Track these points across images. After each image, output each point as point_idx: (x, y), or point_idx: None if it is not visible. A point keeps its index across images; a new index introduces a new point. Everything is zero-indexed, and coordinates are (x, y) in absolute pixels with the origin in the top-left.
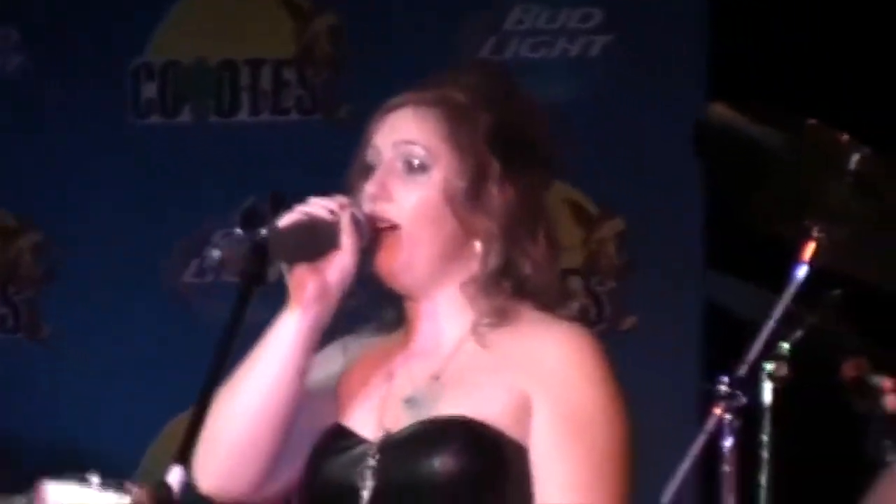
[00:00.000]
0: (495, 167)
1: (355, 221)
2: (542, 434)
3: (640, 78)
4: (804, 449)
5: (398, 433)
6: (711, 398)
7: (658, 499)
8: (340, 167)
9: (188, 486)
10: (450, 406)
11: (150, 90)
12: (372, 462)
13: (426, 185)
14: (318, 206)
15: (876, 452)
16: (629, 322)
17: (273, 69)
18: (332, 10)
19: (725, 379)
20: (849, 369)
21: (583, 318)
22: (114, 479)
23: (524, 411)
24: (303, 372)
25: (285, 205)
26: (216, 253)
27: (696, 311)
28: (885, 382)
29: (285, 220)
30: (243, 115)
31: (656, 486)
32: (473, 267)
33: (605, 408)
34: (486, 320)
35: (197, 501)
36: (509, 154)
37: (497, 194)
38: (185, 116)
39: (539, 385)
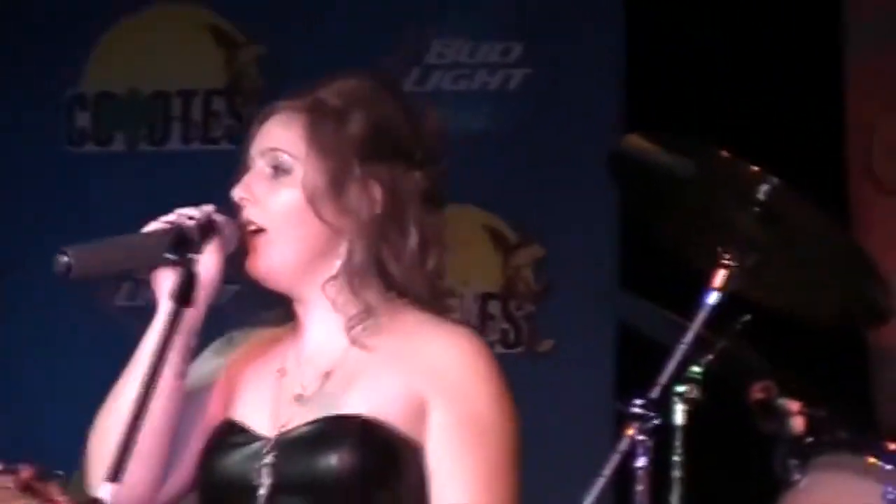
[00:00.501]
0: (357, 167)
1: (228, 225)
2: (440, 436)
3: (557, 109)
4: (714, 469)
5: (294, 430)
6: (624, 419)
7: None
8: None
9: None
10: (344, 404)
11: (84, 119)
12: (268, 459)
13: (289, 186)
14: (178, 215)
15: (782, 472)
16: (546, 345)
17: (203, 99)
18: (261, 40)
19: (638, 401)
20: (757, 392)
21: (502, 341)
22: None
23: (419, 412)
24: (179, 372)
25: (215, 230)
26: (63, 259)
27: (610, 335)
28: (792, 405)
29: (149, 227)
30: (174, 144)
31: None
32: (337, 267)
33: (499, 409)
34: (355, 319)
35: None
36: (377, 153)
37: (360, 193)
38: (118, 145)
39: (434, 387)
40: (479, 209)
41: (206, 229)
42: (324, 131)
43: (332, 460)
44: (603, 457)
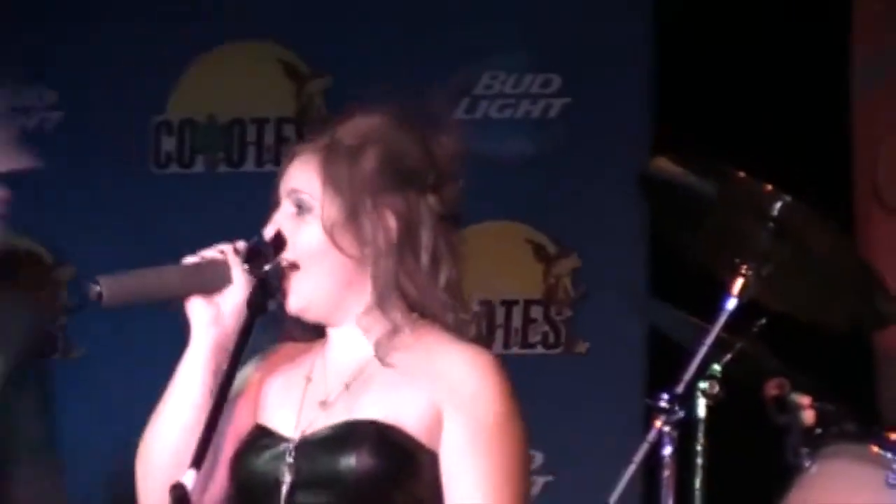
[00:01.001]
0: (369, 200)
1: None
2: (453, 444)
3: (593, 135)
4: (733, 457)
5: (316, 433)
6: (653, 412)
7: (606, 499)
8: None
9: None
10: (363, 411)
11: (168, 144)
12: (290, 458)
13: (311, 224)
14: (210, 250)
15: (794, 459)
16: (582, 346)
17: (275, 127)
18: (325, 73)
19: (665, 396)
20: (771, 388)
21: (543, 343)
22: None
23: (435, 421)
24: (212, 389)
25: (285, 245)
26: (96, 288)
27: (641, 337)
28: (803, 399)
29: (185, 262)
30: (249, 167)
31: (604, 489)
32: (366, 293)
33: (510, 421)
34: (384, 339)
35: None
36: (390, 184)
37: (375, 224)
38: (199, 167)
39: (449, 400)
40: (523, 225)
41: (279, 244)
42: (337, 170)
43: (352, 461)
44: (633, 446)
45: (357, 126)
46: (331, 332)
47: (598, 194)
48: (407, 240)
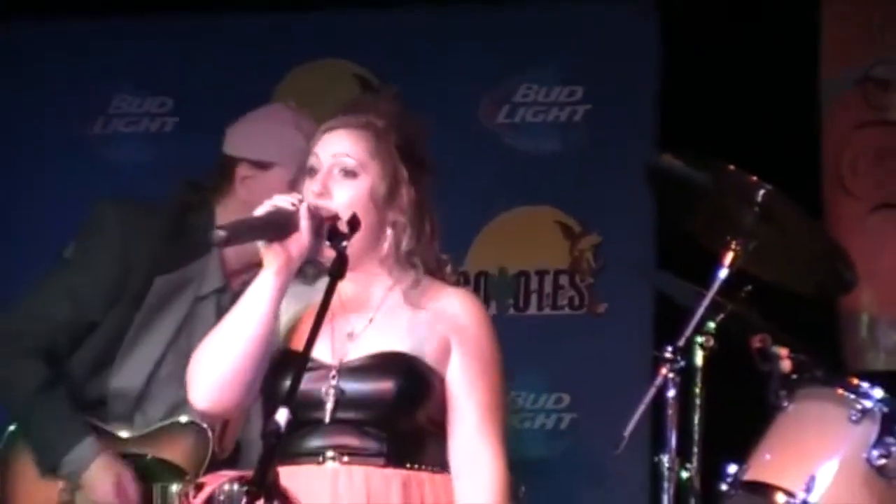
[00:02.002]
0: (405, 175)
1: (310, 211)
2: (460, 368)
3: (609, 135)
4: (725, 398)
5: (353, 361)
6: (659, 362)
7: (622, 432)
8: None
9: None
10: (392, 344)
11: None
12: (334, 382)
13: (356, 187)
14: (282, 200)
15: (775, 400)
16: (602, 308)
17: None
18: (392, 81)
19: (669, 348)
20: (756, 342)
21: (570, 305)
22: None
23: (445, 352)
24: (274, 318)
25: (359, 225)
26: (221, 233)
27: (649, 300)
28: (781, 351)
29: (260, 210)
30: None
31: (620, 423)
32: (385, 247)
33: (496, 346)
34: (405, 286)
35: None
36: (410, 164)
37: (406, 195)
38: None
39: (456, 333)
40: (553, 208)
41: (354, 224)
42: (381, 147)
43: (386, 385)
44: (643, 389)
45: (379, 110)
46: (349, 276)
47: (615, 184)
48: (419, 209)
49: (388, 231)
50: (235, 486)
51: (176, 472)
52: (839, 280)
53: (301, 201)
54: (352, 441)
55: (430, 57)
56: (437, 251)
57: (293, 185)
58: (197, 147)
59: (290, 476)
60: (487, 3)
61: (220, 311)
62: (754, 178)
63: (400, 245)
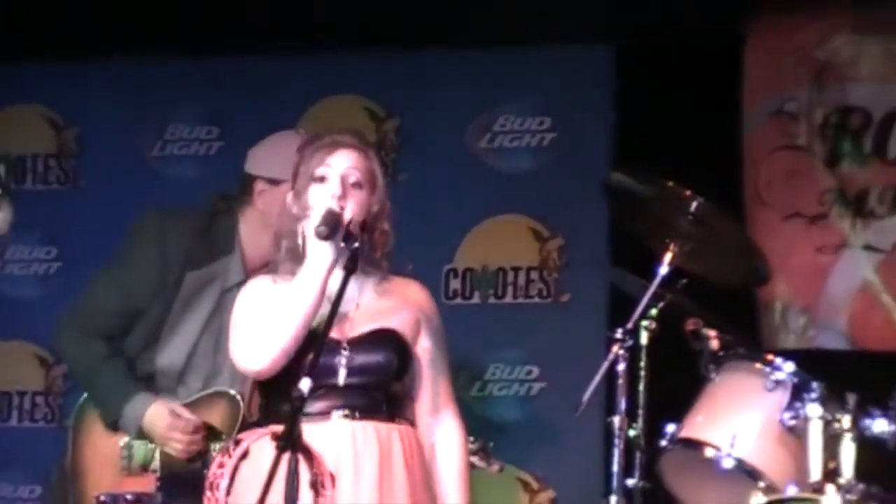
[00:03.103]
0: (385, 192)
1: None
2: (429, 343)
3: (572, 157)
4: (664, 370)
5: (357, 336)
6: (612, 341)
7: (580, 398)
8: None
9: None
10: (385, 322)
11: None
12: (345, 352)
13: (361, 195)
14: (331, 204)
15: (705, 372)
16: (565, 297)
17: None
18: (396, 114)
19: (620, 330)
20: (690, 325)
21: (539, 295)
22: None
23: (417, 330)
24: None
25: (366, 230)
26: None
27: (605, 290)
28: (710, 332)
29: (320, 212)
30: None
31: (579, 391)
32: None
33: (443, 323)
34: (374, 280)
35: None
36: (384, 181)
37: (386, 208)
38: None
39: (422, 314)
40: (525, 216)
41: (365, 227)
42: (374, 166)
43: (384, 355)
44: (599, 364)
45: (358, 135)
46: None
47: (576, 196)
48: (387, 214)
49: (375, 236)
50: (268, 443)
51: (214, 433)
52: (757, 275)
53: (343, 208)
54: (360, 402)
55: (426, 93)
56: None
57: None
58: (236, 167)
59: (309, 433)
60: (471, 50)
61: None
62: (689, 191)
63: (383, 249)
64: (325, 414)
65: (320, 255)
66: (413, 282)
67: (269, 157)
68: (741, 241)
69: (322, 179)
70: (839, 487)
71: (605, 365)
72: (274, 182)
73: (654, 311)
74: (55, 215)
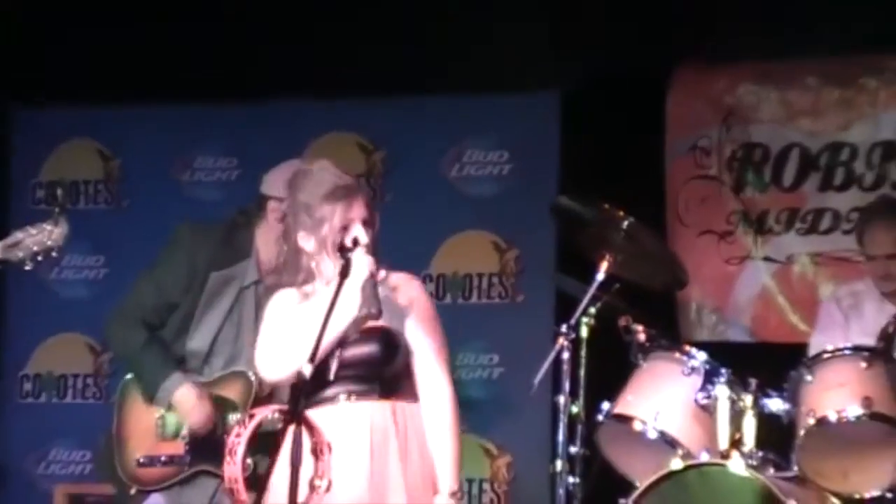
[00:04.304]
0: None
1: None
2: (414, 326)
3: (527, 183)
4: (602, 358)
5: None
6: (558, 335)
7: (532, 381)
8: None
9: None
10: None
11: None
12: (336, 351)
13: (370, 235)
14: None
15: (634, 360)
16: (521, 297)
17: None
18: (382, 148)
19: (564, 325)
20: (622, 321)
21: (499, 296)
22: None
23: (402, 317)
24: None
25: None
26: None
27: (552, 293)
28: (638, 328)
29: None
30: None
31: (531, 375)
32: None
33: (434, 309)
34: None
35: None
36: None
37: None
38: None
39: (407, 302)
40: (488, 232)
41: (355, 244)
42: (372, 208)
43: (370, 348)
44: (547, 352)
45: (339, 180)
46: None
47: (530, 216)
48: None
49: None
50: (276, 415)
51: (231, 406)
52: (677, 281)
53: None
54: (355, 387)
55: (407, 131)
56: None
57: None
58: (251, 190)
59: (322, 415)
60: (445, 96)
61: (257, 297)
62: (621, 212)
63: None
64: (331, 399)
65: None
66: (399, 274)
67: (278, 181)
68: (664, 253)
69: (343, 229)
70: (742, 454)
71: (553, 354)
72: (281, 200)
73: (592, 310)
74: (102, 230)
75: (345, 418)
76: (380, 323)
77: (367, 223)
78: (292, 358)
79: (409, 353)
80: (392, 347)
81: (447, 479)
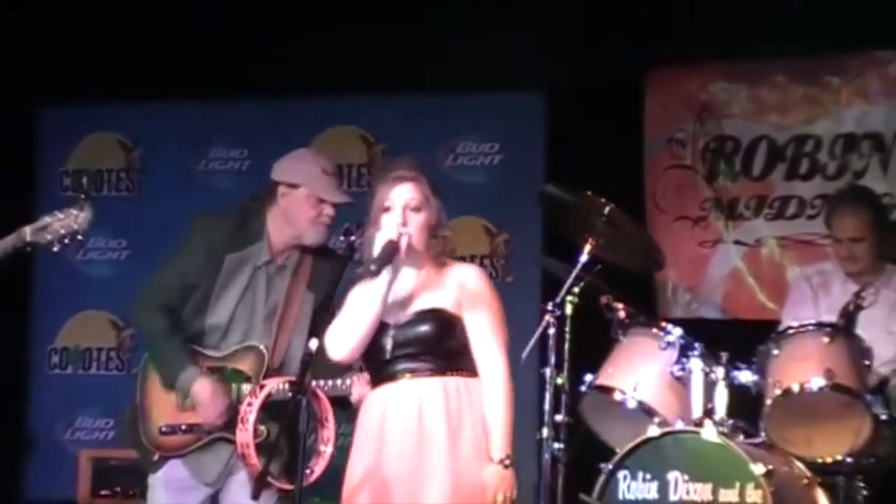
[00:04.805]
0: (440, 206)
1: (406, 237)
2: (469, 309)
3: (516, 173)
4: (585, 334)
5: (402, 319)
6: (544, 312)
7: (521, 354)
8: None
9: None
10: (429, 304)
11: None
12: (392, 333)
13: (419, 218)
14: (390, 235)
15: (615, 335)
16: (510, 278)
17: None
18: (382, 141)
19: (551, 304)
20: (604, 300)
21: (490, 277)
22: None
23: (459, 301)
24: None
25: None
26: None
27: (538, 274)
28: (619, 305)
29: (382, 245)
30: None
31: (521, 349)
32: (430, 248)
33: (492, 294)
34: (430, 268)
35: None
36: (437, 203)
37: (438, 220)
38: None
39: (463, 289)
40: (480, 217)
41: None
42: (427, 193)
43: (424, 329)
44: (535, 328)
45: (415, 167)
46: (401, 264)
47: (518, 202)
48: (441, 227)
49: (433, 241)
50: (285, 386)
51: (245, 377)
52: (655, 263)
53: (401, 235)
54: (409, 365)
55: (406, 125)
56: (447, 248)
57: (313, 200)
58: (261, 178)
59: (384, 391)
60: (441, 94)
61: (269, 276)
62: (603, 199)
63: (439, 249)
64: (392, 376)
65: (379, 280)
66: (461, 264)
67: (289, 168)
68: (642, 237)
69: (387, 210)
70: (714, 422)
71: (540, 329)
72: (293, 186)
73: (576, 290)
74: (124, 215)
75: (401, 394)
76: (437, 305)
77: (413, 208)
78: (347, 340)
79: (465, 333)
80: (446, 327)
81: (497, 448)
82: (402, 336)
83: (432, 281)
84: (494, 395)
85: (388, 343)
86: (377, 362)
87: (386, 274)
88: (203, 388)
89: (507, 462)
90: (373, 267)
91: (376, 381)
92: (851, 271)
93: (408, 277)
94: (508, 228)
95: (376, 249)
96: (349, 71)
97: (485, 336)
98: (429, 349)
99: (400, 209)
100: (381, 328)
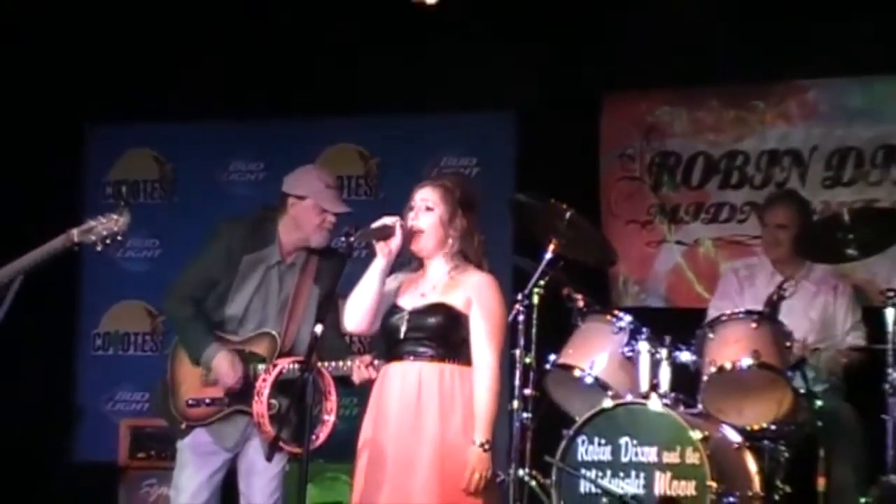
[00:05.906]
0: (459, 212)
1: (401, 226)
2: (476, 313)
3: (491, 183)
4: (549, 320)
5: (418, 307)
6: (515, 302)
7: None
8: None
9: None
10: (439, 298)
11: None
12: (407, 317)
13: (432, 217)
14: (386, 220)
15: (575, 322)
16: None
17: (356, 181)
18: (377, 156)
19: (520, 295)
20: (565, 291)
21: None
22: None
23: (468, 303)
24: (383, 283)
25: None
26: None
27: (509, 269)
28: (578, 296)
29: (376, 224)
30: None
31: None
32: (448, 248)
33: (497, 303)
34: (453, 270)
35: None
36: (464, 207)
37: (459, 221)
38: None
39: (473, 294)
40: None
41: (418, 231)
42: (446, 197)
43: (433, 320)
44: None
45: (453, 180)
46: (426, 262)
47: (493, 208)
48: (468, 230)
49: (449, 240)
50: (294, 366)
51: (261, 359)
52: (608, 259)
53: (396, 222)
54: (415, 349)
55: (397, 142)
56: (480, 254)
57: (317, 209)
58: (276, 189)
59: (393, 369)
60: (426, 114)
61: (280, 274)
62: (565, 206)
63: (454, 247)
64: (399, 357)
65: (379, 254)
66: (479, 272)
67: (297, 182)
68: (598, 238)
69: (410, 209)
70: (659, 395)
71: (511, 316)
72: (300, 198)
73: (542, 283)
74: (158, 219)
75: (405, 372)
76: (449, 301)
77: (427, 207)
78: (354, 311)
79: (468, 329)
80: (453, 322)
81: (480, 432)
82: (415, 322)
83: (451, 280)
84: (483, 387)
85: (404, 325)
86: (393, 341)
87: (384, 256)
88: (223, 359)
89: (487, 447)
90: (359, 233)
91: (389, 357)
92: (774, 257)
93: (435, 271)
94: (484, 231)
95: (376, 225)
96: (349, 96)
97: (483, 336)
98: (435, 338)
99: (416, 207)
100: (399, 312)
